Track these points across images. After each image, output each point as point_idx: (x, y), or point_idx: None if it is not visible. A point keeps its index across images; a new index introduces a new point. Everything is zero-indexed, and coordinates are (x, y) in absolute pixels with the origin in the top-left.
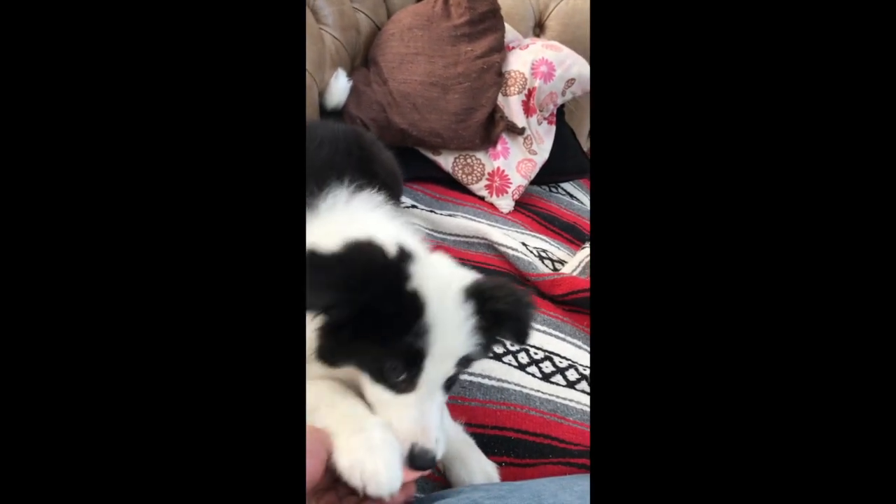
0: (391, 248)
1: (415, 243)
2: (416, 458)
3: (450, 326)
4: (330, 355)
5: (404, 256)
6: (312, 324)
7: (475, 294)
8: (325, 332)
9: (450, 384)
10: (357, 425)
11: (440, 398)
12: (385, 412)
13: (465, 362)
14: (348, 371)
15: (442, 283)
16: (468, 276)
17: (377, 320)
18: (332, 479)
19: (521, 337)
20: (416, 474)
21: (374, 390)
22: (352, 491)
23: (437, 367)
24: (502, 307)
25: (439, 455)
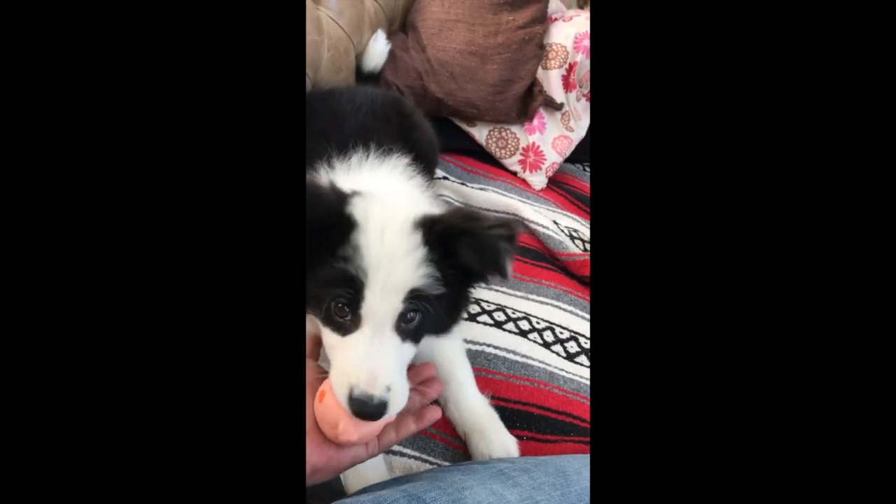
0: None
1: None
2: (354, 403)
3: (392, 256)
4: None
5: (339, 192)
6: None
7: (425, 223)
8: None
9: (405, 322)
10: None
11: (394, 340)
12: (334, 356)
13: (416, 297)
14: (312, 320)
15: (387, 212)
16: (435, 209)
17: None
18: None
19: (497, 272)
20: (373, 424)
21: (325, 334)
22: None
23: (382, 300)
24: (456, 237)
25: (393, 406)
